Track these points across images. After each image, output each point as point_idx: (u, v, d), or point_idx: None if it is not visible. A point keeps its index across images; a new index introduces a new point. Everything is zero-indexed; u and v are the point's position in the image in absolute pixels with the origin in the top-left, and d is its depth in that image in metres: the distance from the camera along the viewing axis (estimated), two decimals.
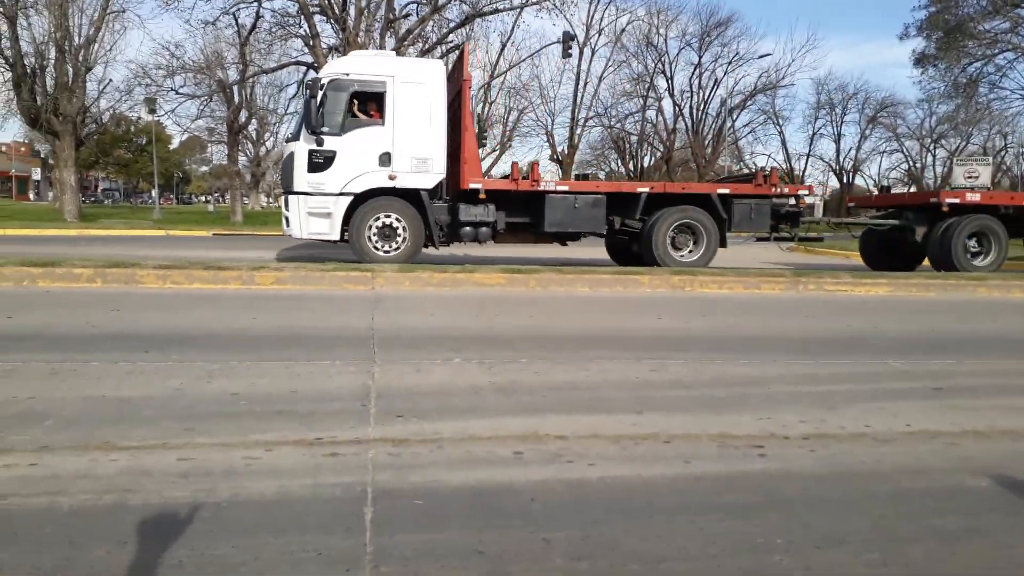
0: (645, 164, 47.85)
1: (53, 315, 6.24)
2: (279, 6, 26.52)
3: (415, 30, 27.46)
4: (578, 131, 42.19)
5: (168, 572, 2.06)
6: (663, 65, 43.23)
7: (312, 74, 10.88)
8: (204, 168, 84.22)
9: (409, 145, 10.47)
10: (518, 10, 28.97)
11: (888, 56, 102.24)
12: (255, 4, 25.57)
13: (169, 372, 4.25)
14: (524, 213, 11.32)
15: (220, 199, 61.17)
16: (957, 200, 12.01)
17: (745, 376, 4.61)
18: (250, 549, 2.20)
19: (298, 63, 28.80)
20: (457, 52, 12.57)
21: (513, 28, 38.18)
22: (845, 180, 52.07)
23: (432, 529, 2.40)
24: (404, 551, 2.24)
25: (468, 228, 11.00)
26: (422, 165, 10.57)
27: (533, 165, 11.90)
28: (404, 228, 10.58)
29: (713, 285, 9.01)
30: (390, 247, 10.59)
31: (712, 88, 44.19)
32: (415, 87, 10.56)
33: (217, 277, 8.12)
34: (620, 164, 50.16)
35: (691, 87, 44.26)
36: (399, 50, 27.51)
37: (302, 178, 10.30)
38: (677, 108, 44.62)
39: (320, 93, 10.22)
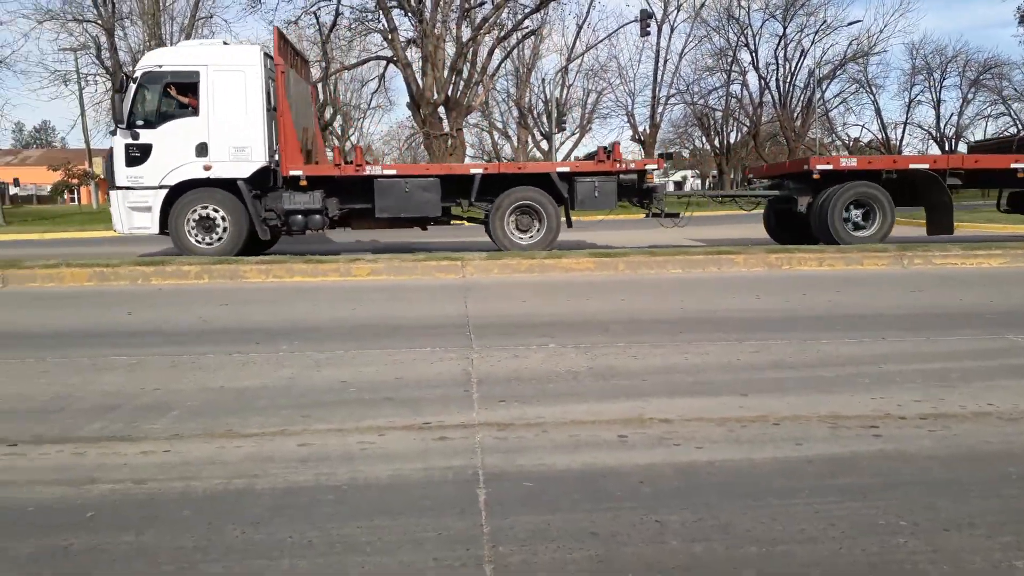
0: (731, 140, 46.64)
1: (168, 311, 6.61)
2: (358, 3, 26.98)
3: (491, 18, 27.53)
4: (659, 110, 41.53)
5: (299, 552, 2.16)
6: (746, 38, 41.99)
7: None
8: None
9: (226, 134, 10.34)
10: None
11: (989, 15, 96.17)
12: (335, 2, 26.16)
13: (280, 362, 4.44)
14: (358, 199, 10.97)
15: None
16: (830, 166, 11.02)
17: (853, 355, 4.47)
18: (373, 530, 2.29)
19: (378, 58, 29.40)
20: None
21: (589, 10, 37.82)
22: (947, 147, 49.40)
23: (544, 511, 2.43)
24: (519, 532, 2.28)
25: (298, 216, 10.72)
26: (240, 154, 10.41)
27: (357, 148, 11.54)
28: (224, 219, 10.48)
29: (812, 262, 8.73)
30: (211, 239, 10.50)
31: (799, 59, 42.67)
32: (231, 75, 10.44)
33: (316, 270, 8.41)
34: (704, 141, 49.09)
35: (777, 59, 42.84)
36: (475, 38, 27.71)
37: (121, 173, 10.34)
38: (763, 81, 43.30)
39: (133, 87, 10.23)
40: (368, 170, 10.95)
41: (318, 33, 27.00)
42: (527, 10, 28.16)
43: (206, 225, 10.53)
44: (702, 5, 39.65)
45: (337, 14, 26.86)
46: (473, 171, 11.10)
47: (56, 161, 60.36)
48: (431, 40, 26.19)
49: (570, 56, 38.48)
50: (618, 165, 10.85)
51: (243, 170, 10.47)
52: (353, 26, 27.29)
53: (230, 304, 6.85)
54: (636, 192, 11.24)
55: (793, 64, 42.85)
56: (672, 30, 40.55)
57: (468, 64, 28.32)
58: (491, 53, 29.13)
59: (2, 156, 69.81)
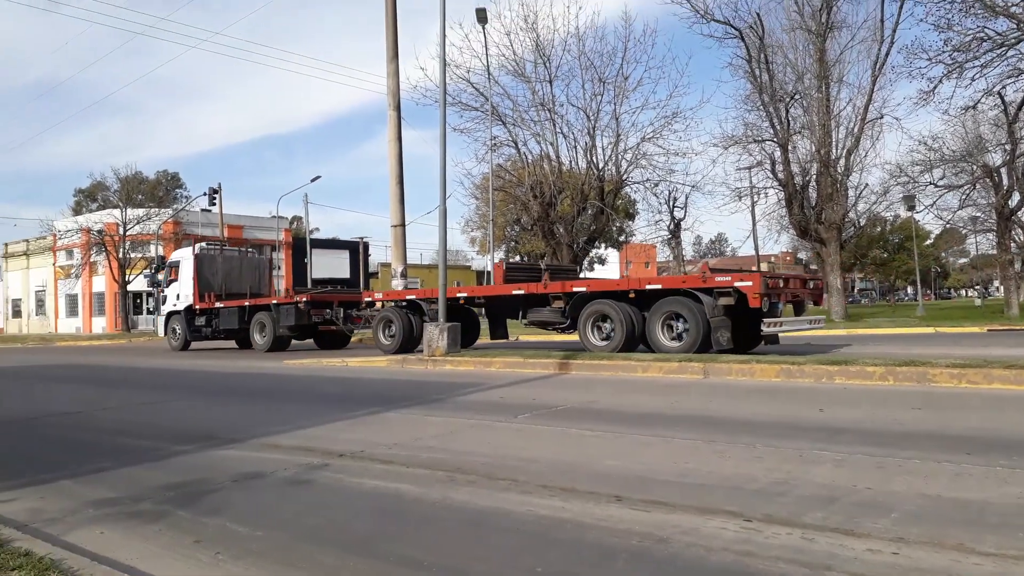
0: None
1: (856, 411, 6.62)
2: None
3: None
4: None
5: None
6: None
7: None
8: (963, 260, 79.45)
9: (184, 290, 23.49)
10: None
11: None
12: None
13: (1001, 478, 3.98)
14: (235, 323, 22.18)
15: (985, 291, 56.45)
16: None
17: None
18: None
19: None
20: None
21: None
22: None
23: None
24: None
25: (204, 328, 23.02)
26: (186, 299, 23.39)
27: (208, 294, 22.93)
28: (178, 329, 23.91)
29: None
30: (176, 339, 23.89)
31: None
32: (187, 262, 23.45)
33: (1019, 377, 7.38)
34: None
35: None
36: None
37: (161, 309, 26.34)
38: None
39: (166, 268, 25.39)
40: (215, 303, 22.68)
41: (1003, 114, 24.38)
42: None
43: (175, 331, 24.03)
44: None
45: None
46: (217, 304, 22.66)
47: (728, 268, 68.01)
48: None
49: None
50: (295, 298, 20.51)
51: (182, 305, 23.55)
52: None
53: (924, 408, 6.50)
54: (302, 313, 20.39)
55: None
56: None
57: None
58: None
59: (688, 265, 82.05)
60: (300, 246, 54.02)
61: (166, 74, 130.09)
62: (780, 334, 12.90)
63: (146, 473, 4.96)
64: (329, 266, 54.67)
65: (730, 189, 32.58)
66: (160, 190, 69.88)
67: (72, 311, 55.85)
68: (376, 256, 65.71)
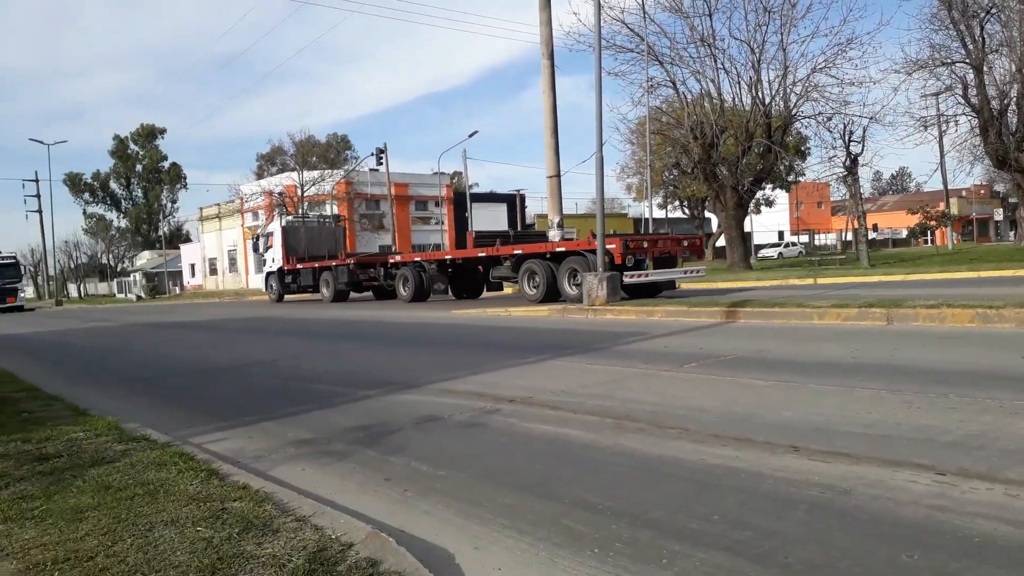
0: None
1: None
2: None
3: None
4: None
5: None
6: None
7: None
8: None
9: (276, 254, 29.20)
10: None
11: None
12: None
13: None
14: (310, 280, 27.45)
15: None
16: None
17: None
18: None
19: None
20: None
21: None
22: None
23: None
24: None
25: (292, 285, 28.54)
26: (278, 262, 28.99)
27: (293, 257, 28.44)
28: (274, 285, 29.76)
29: None
30: (274, 293, 29.74)
31: None
32: (277, 232, 29.67)
33: None
34: None
35: None
36: None
37: (262, 269, 32.26)
38: None
39: (264, 237, 31.08)
40: (296, 265, 27.78)
41: None
42: None
43: (272, 287, 29.81)
44: None
45: None
46: (298, 266, 27.94)
47: (911, 204, 62.65)
48: None
49: None
50: (347, 260, 25.94)
51: (275, 266, 29.09)
52: None
53: None
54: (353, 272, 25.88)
55: None
56: None
57: None
58: None
59: (866, 203, 76.57)
60: (460, 200, 55.44)
61: (330, 41, 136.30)
62: (657, 281, 15.63)
63: (335, 416, 5.39)
64: (489, 219, 55.78)
65: (914, 119, 29.53)
66: (331, 152, 73.83)
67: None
68: (532, 207, 66.32)
